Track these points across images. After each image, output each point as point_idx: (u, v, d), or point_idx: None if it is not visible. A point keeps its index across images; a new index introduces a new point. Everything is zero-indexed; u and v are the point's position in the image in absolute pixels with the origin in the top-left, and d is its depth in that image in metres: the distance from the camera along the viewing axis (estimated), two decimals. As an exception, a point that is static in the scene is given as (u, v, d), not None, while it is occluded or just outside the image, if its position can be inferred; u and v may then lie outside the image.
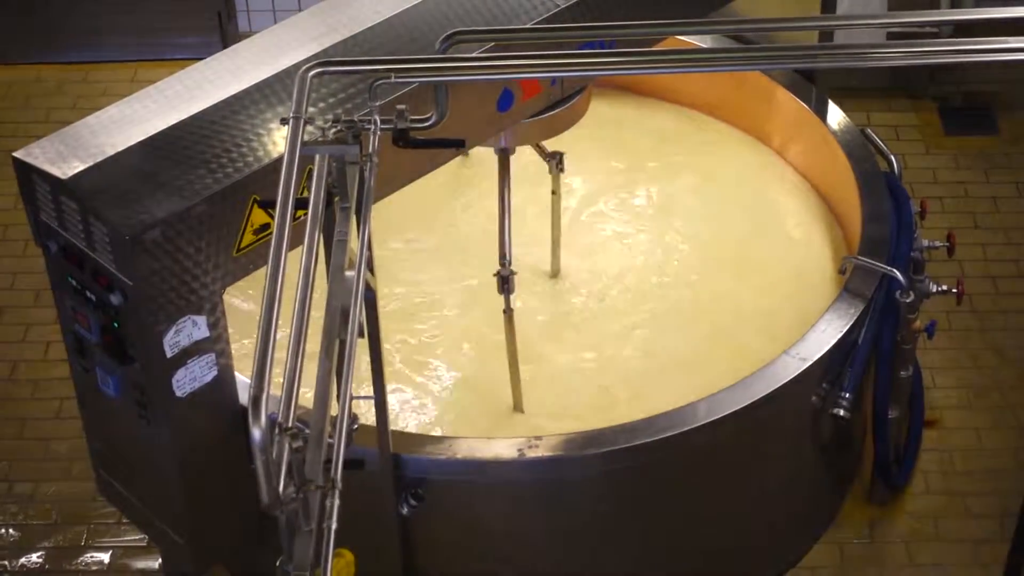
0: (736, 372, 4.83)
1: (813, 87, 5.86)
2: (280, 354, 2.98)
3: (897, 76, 7.22)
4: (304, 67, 3.68)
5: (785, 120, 5.91)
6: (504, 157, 4.97)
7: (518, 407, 5.10)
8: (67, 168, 4.07)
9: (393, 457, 4.48)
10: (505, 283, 4.96)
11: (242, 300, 5.31)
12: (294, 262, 3.18)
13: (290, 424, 2.97)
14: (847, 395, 4.95)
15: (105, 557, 5.40)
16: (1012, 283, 6.36)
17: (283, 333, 3.03)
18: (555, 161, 5.31)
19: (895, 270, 5.03)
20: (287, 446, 2.96)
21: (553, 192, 5.38)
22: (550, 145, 5.23)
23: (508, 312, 4.97)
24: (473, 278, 5.49)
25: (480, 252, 5.46)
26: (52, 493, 5.60)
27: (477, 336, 5.32)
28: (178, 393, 4.18)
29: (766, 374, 4.77)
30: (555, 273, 5.54)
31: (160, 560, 5.26)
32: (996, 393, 5.93)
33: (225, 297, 4.19)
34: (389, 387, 4.53)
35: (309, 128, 3.52)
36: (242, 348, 4.83)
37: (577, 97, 4.93)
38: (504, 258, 4.94)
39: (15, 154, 4.16)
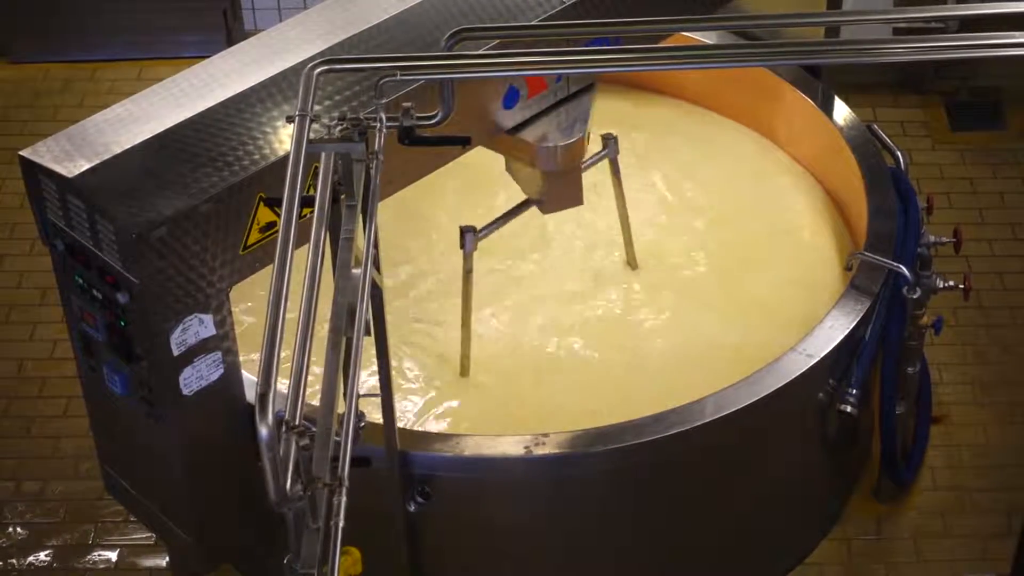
0: (743, 368, 4.83)
1: (819, 83, 5.85)
2: (287, 351, 2.98)
3: (903, 72, 7.21)
4: (310, 65, 3.68)
5: (791, 116, 5.90)
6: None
7: (464, 372, 5.12)
8: (73, 167, 4.07)
9: (400, 455, 4.49)
10: (464, 238, 4.94)
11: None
12: (300, 260, 3.18)
13: (297, 422, 2.97)
14: (854, 391, 4.95)
15: (112, 555, 5.41)
16: (1019, 279, 6.35)
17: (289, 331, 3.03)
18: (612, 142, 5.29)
19: (902, 266, 5.02)
20: (294, 444, 2.96)
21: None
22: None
23: (468, 273, 4.99)
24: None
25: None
26: (59, 492, 5.60)
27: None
28: (185, 391, 4.18)
29: (773, 370, 4.77)
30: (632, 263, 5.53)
31: (167, 559, 5.27)
32: (1003, 389, 5.92)
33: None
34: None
35: (315, 126, 3.53)
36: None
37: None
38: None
39: (22, 153, 4.16)
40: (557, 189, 4.98)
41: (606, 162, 5.37)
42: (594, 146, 5.21)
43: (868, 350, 4.98)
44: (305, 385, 3.03)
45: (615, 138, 5.33)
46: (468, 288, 5.03)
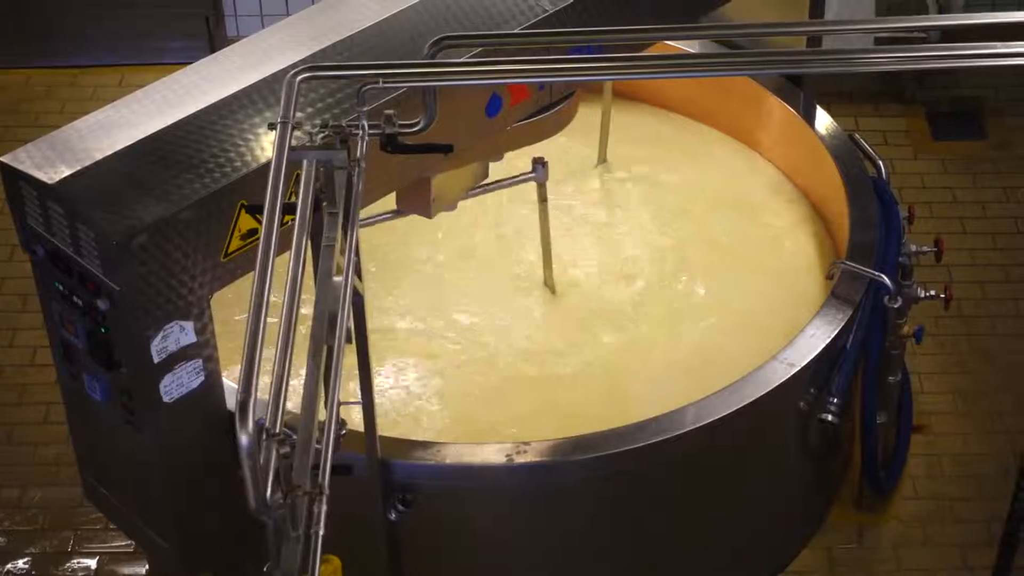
0: (724, 377, 4.83)
1: (801, 92, 5.86)
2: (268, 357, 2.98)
3: (885, 81, 7.23)
4: (292, 72, 3.67)
5: (773, 125, 5.91)
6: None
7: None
8: (54, 173, 4.05)
9: (381, 462, 4.48)
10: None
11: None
12: (281, 268, 3.17)
13: (277, 430, 2.96)
14: (835, 400, 4.95)
15: (92, 563, 5.39)
16: (999, 288, 6.37)
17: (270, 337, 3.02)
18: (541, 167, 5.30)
19: (883, 275, 5.03)
20: (274, 452, 2.96)
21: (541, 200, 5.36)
22: (534, 151, 5.21)
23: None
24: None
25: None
26: (38, 499, 5.59)
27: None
28: (165, 398, 4.17)
29: (754, 379, 4.77)
30: (551, 287, 5.52)
31: (147, 566, 5.25)
32: (984, 398, 5.94)
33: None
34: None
35: (297, 133, 3.52)
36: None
37: (565, 103, 4.92)
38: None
39: (1, 159, 4.15)
40: (411, 191, 4.89)
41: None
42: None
43: (849, 359, 4.98)
44: (286, 393, 3.03)
45: (545, 163, 5.30)
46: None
